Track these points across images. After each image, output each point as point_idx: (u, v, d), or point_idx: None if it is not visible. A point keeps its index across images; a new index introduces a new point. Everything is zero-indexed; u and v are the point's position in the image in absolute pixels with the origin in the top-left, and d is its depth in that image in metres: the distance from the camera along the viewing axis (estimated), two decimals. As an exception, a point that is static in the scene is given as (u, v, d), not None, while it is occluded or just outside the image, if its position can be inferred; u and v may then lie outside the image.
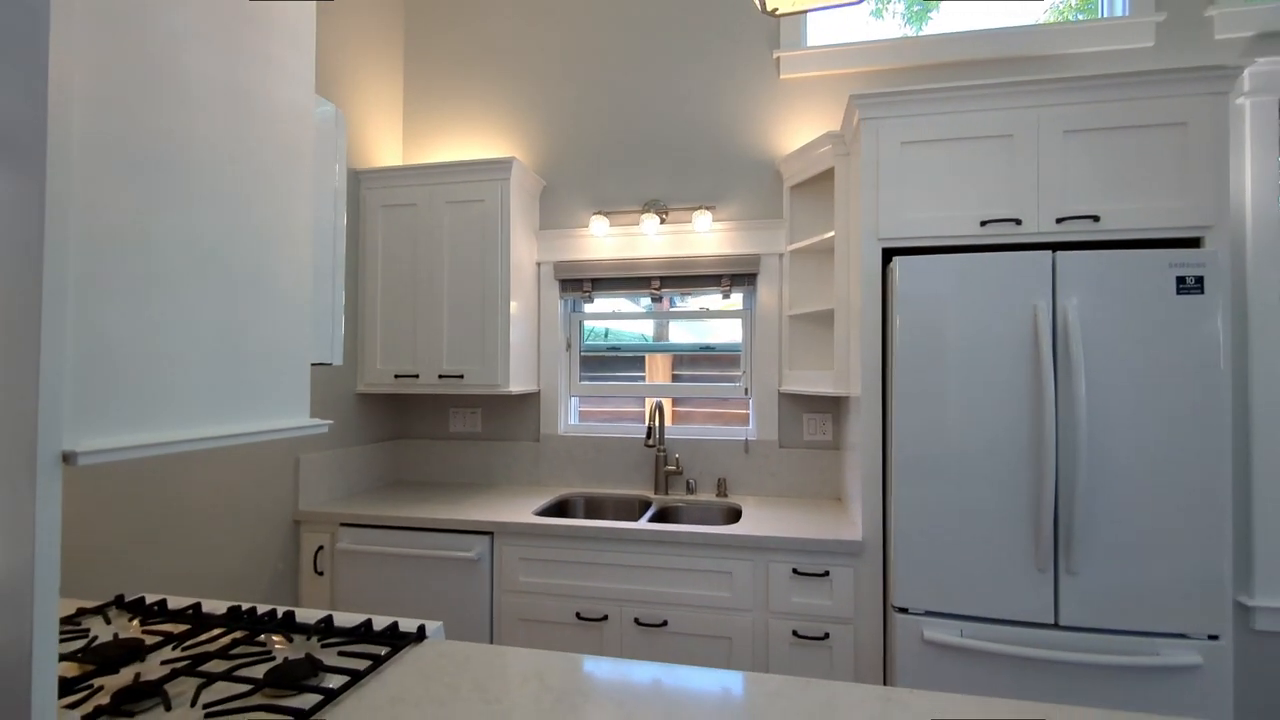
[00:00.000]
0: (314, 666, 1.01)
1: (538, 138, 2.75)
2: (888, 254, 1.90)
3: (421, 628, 1.18)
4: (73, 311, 0.55)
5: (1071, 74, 1.75)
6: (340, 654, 1.07)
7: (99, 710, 0.88)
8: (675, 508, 2.44)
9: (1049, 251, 1.67)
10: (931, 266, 1.75)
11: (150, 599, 1.34)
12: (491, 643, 2.09)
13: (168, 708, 0.90)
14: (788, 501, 2.38)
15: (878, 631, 1.84)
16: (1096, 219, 1.70)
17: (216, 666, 1.03)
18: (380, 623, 1.21)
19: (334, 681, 0.99)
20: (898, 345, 1.78)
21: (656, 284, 2.61)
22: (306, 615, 1.25)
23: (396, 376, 2.51)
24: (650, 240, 2.60)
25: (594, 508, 2.55)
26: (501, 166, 2.41)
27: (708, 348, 2.76)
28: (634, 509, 2.49)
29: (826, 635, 1.86)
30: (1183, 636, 1.60)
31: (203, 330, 0.68)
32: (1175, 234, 1.68)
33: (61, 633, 1.15)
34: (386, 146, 2.78)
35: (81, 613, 1.25)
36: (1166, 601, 1.60)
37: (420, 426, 2.85)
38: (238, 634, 1.15)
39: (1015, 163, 1.76)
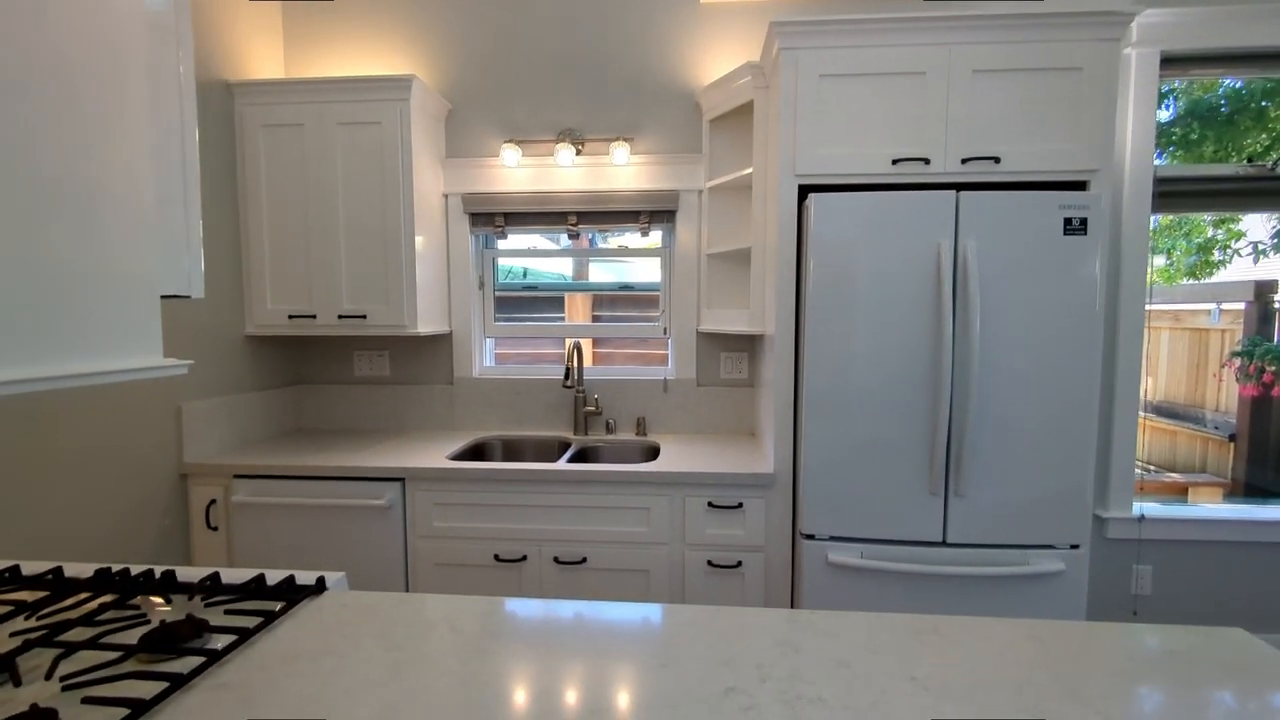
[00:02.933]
0: (196, 628, 0.93)
1: (441, 55, 2.52)
2: (804, 191, 1.89)
3: (321, 579, 1.11)
4: None
5: (982, 11, 1.76)
6: (228, 613, 1.00)
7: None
8: (595, 448, 2.44)
9: (953, 192, 1.72)
10: (844, 204, 1.76)
11: (0, 564, 1.19)
12: (407, 590, 2.05)
13: (17, 683, 0.80)
14: (704, 438, 2.43)
15: (786, 558, 1.93)
16: (997, 160, 1.76)
17: (79, 635, 0.93)
18: (274, 577, 1.13)
19: (220, 642, 0.92)
20: (810, 283, 1.80)
21: (573, 220, 2.51)
22: (190, 574, 1.15)
23: (291, 317, 2.31)
24: (566, 173, 2.48)
25: (512, 450, 2.51)
26: (400, 85, 2.19)
27: (627, 287, 2.71)
28: (553, 450, 2.46)
29: (739, 564, 1.94)
30: (1049, 547, 1.78)
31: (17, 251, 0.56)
32: (1065, 177, 1.76)
33: (-118, 609, 1.00)
34: (263, 55, 2.46)
35: (-89, 585, 1.09)
36: (1037, 517, 1.76)
37: (321, 371, 2.67)
38: (106, 598, 1.04)
39: (927, 101, 1.78)
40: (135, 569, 1.16)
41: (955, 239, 1.72)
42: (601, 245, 2.70)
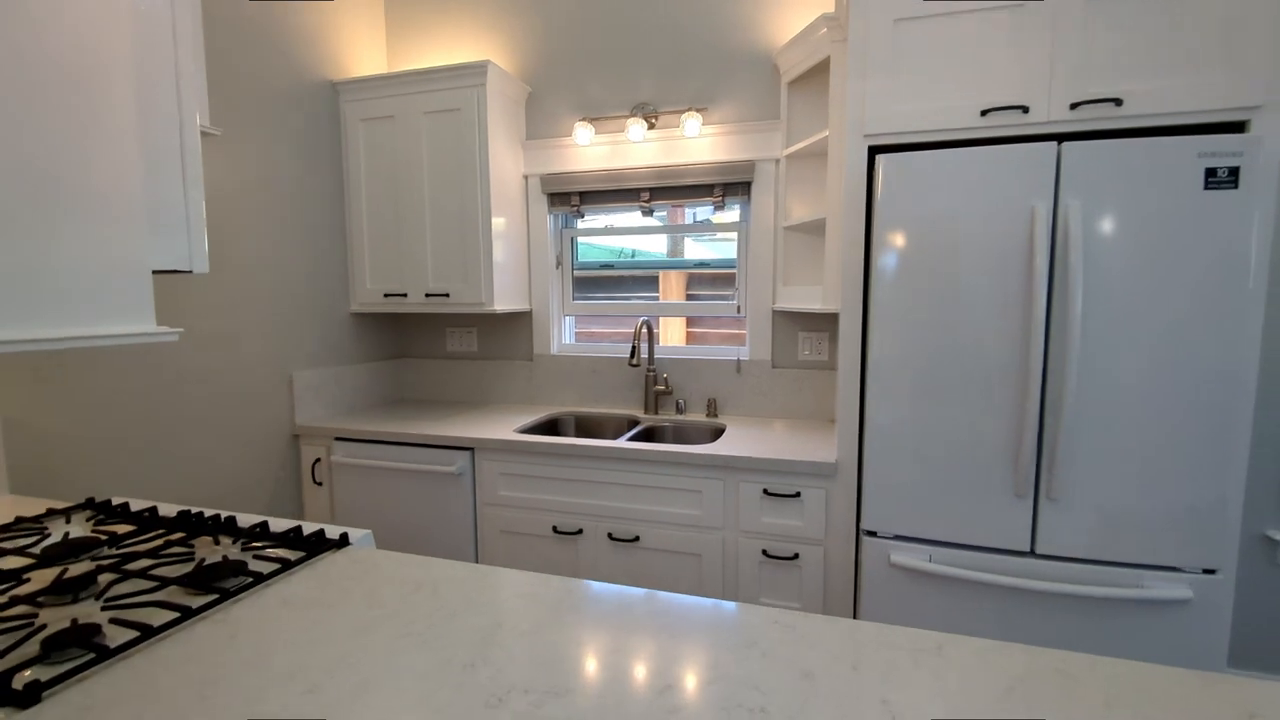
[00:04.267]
0: (231, 569, 1.05)
1: (521, 39, 2.57)
2: (877, 154, 1.70)
3: (344, 535, 1.20)
4: None
5: (1107, -78, 1.45)
6: (256, 558, 1.11)
7: (14, 600, 0.94)
8: (660, 427, 2.41)
9: (1053, 143, 1.45)
10: (918, 164, 1.56)
11: (117, 501, 1.42)
12: (476, 554, 2.17)
13: (75, 600, 0.95)
14: (777, 423, 2.31)
15: (848, 554, 1.79)
16: (1119, 102, 1.46)
17: (138, 565, 1.08)
18: (309, 529, 1.24)
19: (242, 583, 1.02)
20: (878, 254, 1.62)
21: (646, 196, 2.47)
22: (247, 520, 1.30)
23: (386, 296, 2.51)
24: (639, 149, 2.44)
25: (583, 426, 2.55)
26: (476, 71, 2.28)
27: (703, 264, 2.63)
28: (622, 428, 2.47)
29: (796, 556, 1.83)
30: (1174, 570, 1.48)
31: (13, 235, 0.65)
32: (1213, 118, 1.42)
33: (21, 530, 1.23)
34: (368, 51, 2.66)
35: (50, 513, 1.34)
36: (1158, 531, 1.47)
37: (419, 346, 2.89)
38: (174, 536, 1.21)
39: (1026, 38, 1.51)
40: (209, 512, 1.34)
41: (1055, 200, 1.46)
42: (674, 220, 2.63)
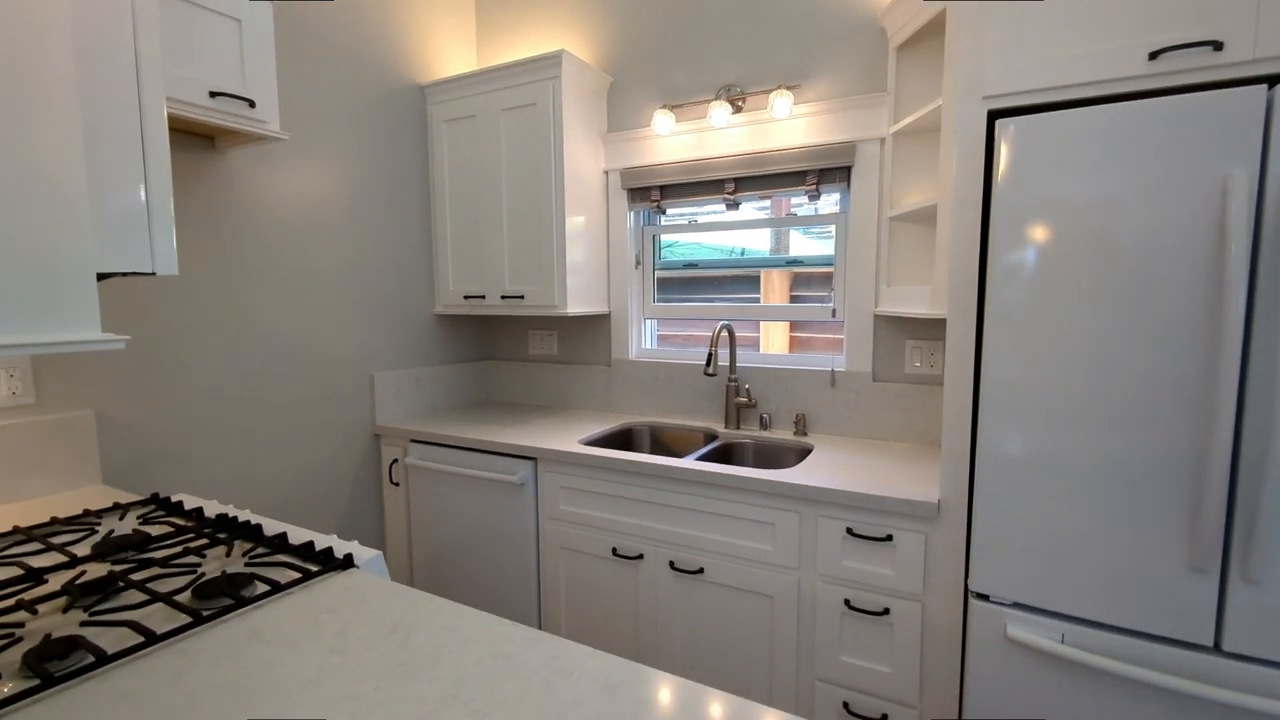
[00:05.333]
0: (222, 587, 0.99)
1: (604, 27, 2.44)
2: (998, 120, 1.35)
3: (349, 556, 1.12)
4: None
5: None
6: (257, 574, 1.05)
7: (19, 604, 0.94)
8: (739, 444, 2.17)
9: (1261, 87, 1.05)
10: (1052, 127, 1.21)
11: (176, 498, 1.46)
12: (538, 570, 2.07)
13: (68, 609, 0.94)
14: (875, 445, 1.98)
15: (954, 617, 1.45)
16: (1374, 22, 1.02)
17: (143, 575, 1.06)
18: (321, 544, 1.18)
19: (237, 604, 0.96)
20: (997, 245, 1.29)
21: (730, 187, 2.24)
22: (274, 528, 1.27)
23: (466, 297, 2.50)
24: (723, 136, 2.21)
25: (658, 439, 2.37)
26: (550, 62, 2.18)
27: (796, 261, 2.34)
28: (697, 443, 2.26)
29: (886, 611, 1.52)
30: None
31: None
32: None
33: (77, 524, 1.29)
34: (457, 51, 2.67)
35: (115, 507, 1.40)
36: None
37: (503, 348, 2.86)
38: (194, 544, 1.19)
39: (1222, -54, 1.11)
40: (243, 517, 1.32)
41: (1262, 167, 1.05)
42: (761, 212, 2.36)
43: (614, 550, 1.89)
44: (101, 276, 0.82)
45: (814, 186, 2.09)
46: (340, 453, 2.26)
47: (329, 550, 1.14)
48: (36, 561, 1.12)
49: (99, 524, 1.30)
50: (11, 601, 0.96)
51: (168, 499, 1.43)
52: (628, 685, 0.76)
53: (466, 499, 2.19)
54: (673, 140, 2.31)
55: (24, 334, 0.69)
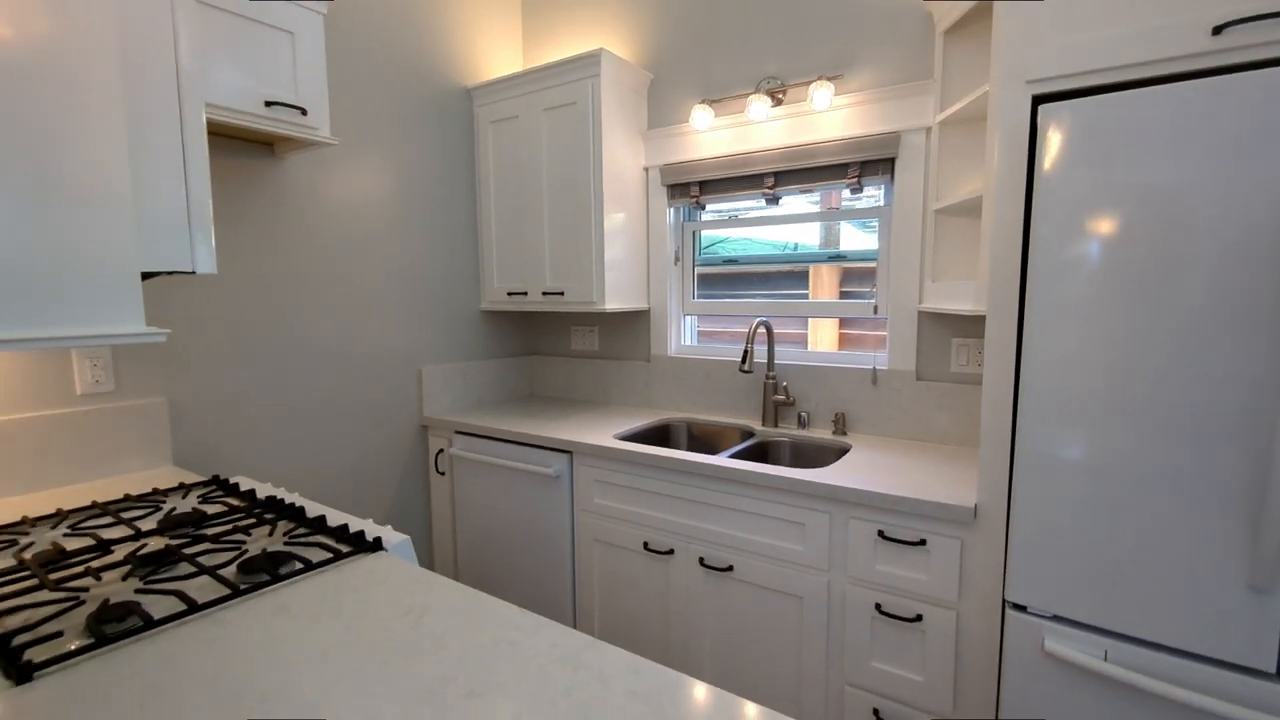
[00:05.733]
0: (261, 564, 1.07)
1: (644, 24, 2.45)
2: (1042, 106, 1.28)
3: (378, 539, 1.18)
4: None
5: None
6: (295, 553, 1.12)
7: (88, 570, 1.04)
8: (775, 442, 2.13)
9: (1340, 58, 0.95)
10: (1105, 111, 1.13)
11: (234, 479, 1.58)
12: (573, 561, 2.11)
13: (126, 577, 1.03)
14: (917, 447, 1.91)
15: (992, 627, 1.39)
16: None
17: (195, 549, 1.15)
18: (355, 527, 1.25)
19: (273, 580, 1.03)
20: (1039, 237, 1.22)
21: (770, 181, 2.20)
22: (315, 510, 1.35)
23: (509, 294, 2.56)
24: (762, 129, 2.18)
25: (696, 435, 2.36)
26: (589, 61, 2.20)
27: (838, 257, 2.28)
28: (733, 440, 2.24)
29: (919, 618, 1.47)
30: None
31: None
32: None
33: (146, 501, 1.41)
34: (503, 53, 2.73)
35: (180, 486, 1.52)
36: None
37: (546, 343, 2.92)
38: (243, 522, 1.28)
39: (1298, -94, 1.01)
40: (289, 499, 1.41)
41: (1340, 146, 0.95)
42: (803, 206, 2.30)
43: (645, 544, 1.91)
44: (146, 276, 0.90)
45: (856, 179, 2.03)
46: (389, 442, 2.37)
47: (360, 534, 1.20)
48: (107, 533, 1.24)
49: (164, 501, 1.41)
50: (81, 569, 1.06)
51: (227, 480, 1.55)
52: (622, 676, 0.78)
53: (506, 489, 2.25)
54: (712, 135, 2.29)
55: (74, 328, 0.77)
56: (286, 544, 1.18)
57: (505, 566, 2.30)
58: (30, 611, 0.92)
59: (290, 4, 1.64)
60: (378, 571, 1.07)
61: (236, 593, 0.97)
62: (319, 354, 2.12)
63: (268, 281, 1.97)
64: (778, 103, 2.14)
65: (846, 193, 2.15)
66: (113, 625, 0.88)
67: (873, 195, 2.11)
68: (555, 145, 2.34)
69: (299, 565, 1.08)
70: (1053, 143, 1.19)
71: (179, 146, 0.89)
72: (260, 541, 1.20)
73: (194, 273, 0.97)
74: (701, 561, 1.79)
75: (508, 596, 2.30)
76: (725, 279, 2.52)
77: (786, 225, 2.33)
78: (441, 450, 2.46)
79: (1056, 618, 1.24)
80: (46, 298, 0.75)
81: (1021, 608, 1.28)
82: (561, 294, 2.39)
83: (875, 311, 2.10)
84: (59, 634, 0.86)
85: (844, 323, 2.34)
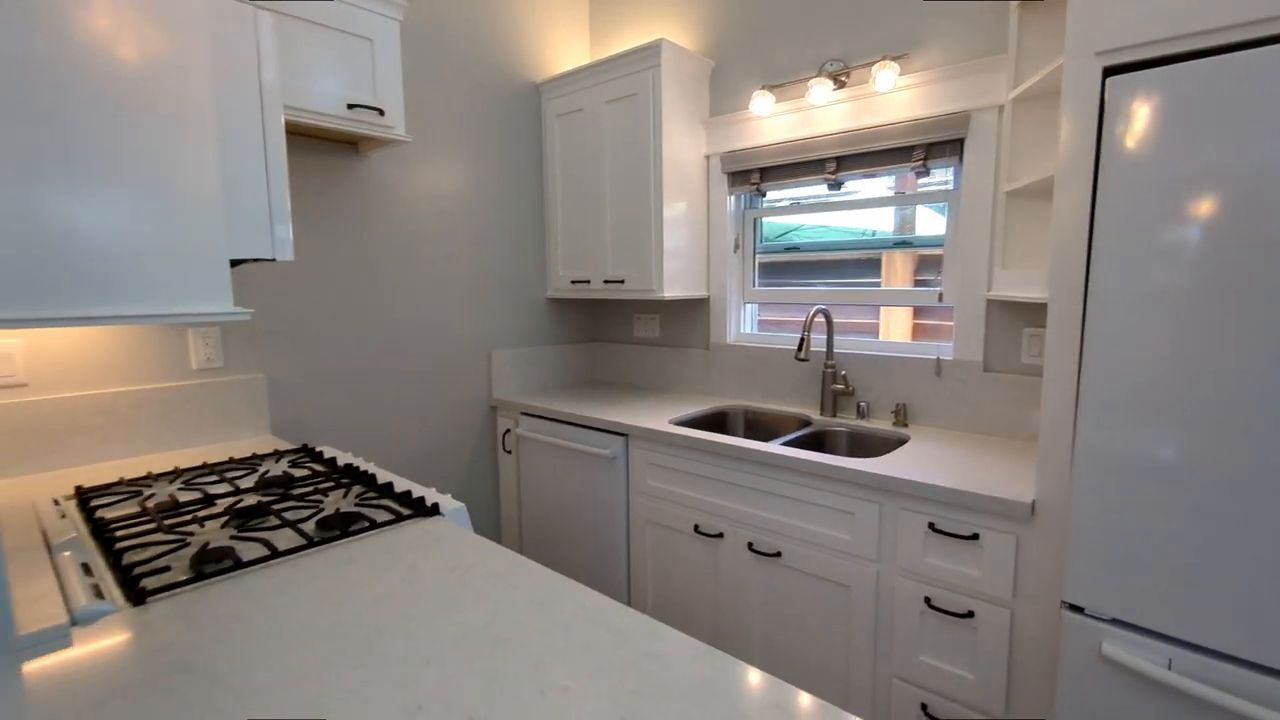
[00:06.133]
0: (334, 523, 1.20)
1: (708, 10, 2.45)
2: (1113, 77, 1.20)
3: (435, 505, 1.28)
4: None
5: None
6: (363, 513, 1.24)
7: (195, 519, 1.20)
8: (832, 432, 2.10)
9: None
10: (1177, 80, 1.05)
11: (319, 448, 1.75)
12: (627, 539, 2.18)
13: (224, 525, 1.18)
14: (982, 440, 1.83)
15: (1048, 628, 1.33)
16: None
17: (282, 506, 1.30)
18: (417, 493, 1.36)
19: (343, 534, 1.15)
20: (1102, 216, 1.15)
21: (832, 167, 2.16)
22: (385, 476, 1.48)
23: (573, 282, 2.65)
24: (824, 114, 2.14)
25: (752, 422, 2.37)
26: (650, 52, 2.23)
27: (904, 243, 2.21)
28: (789, 429, 2.23)
29: (971, 614, 1.43)
30: None
31: (102, 222, 0.82)
32: None
33: (246, 463, 1.59)
34: (571, 48, 2.81)
35: (275, 453, 1.70)
36: None
37: (610, 331, 3.00)
38: (323, 485, 1.43)
39: None
40: (363, 466, 1.55)
41: None
42: (866, 191, 2.23)
43: (696, 527, 1.94)
44: (235, 263, 1.03)
45: (921, 162, 1.96)
46: (460, 421, 2.53)
47: (421, 499, 1.31)
48: (212, 489, 1.41)
49: (260, 465, 1.59)
50: (189, 517, 1.23)
51: (314, 449, 1.71)
52: (641, 638, 0.82)
53: (566, 469, 2.35)
54: (772, 121, 2.27)
55: (178, 306, 0.89)
56: (357, 505, 1.30)
57: (566, 542, 2.40)
58: (147, 549, 1.08)
59: (369, 12, 1.78)
60: (433, 533, 1.17)
61: (312, 544, 1.10)
62: (398, 338, 2.29)
63: (353, 270, 2.14)
64: (840, 85, 2.09)
65: (912, 176, 2.07)
66: (211, 564, 1.02)
67: (943, 179, 2.03)
68: (617, 136, 2.39)
69: (366, 524, 1.20)
70: (1122, 116, 1.12)
71: (261, 150, 1.01)
72: (336, 502, 1.33)
73: (274, 259, 1.10)
74: (750, 546, 1.81)
75: (567, 571, 2.41)
76: (792, 268, 2.49)
77: (860, 212, 2.27)
78: (508, 430, 2.59)
79: (1117, 621, 1.18)
80: (156, 281, 0.88)
81: (1079, 609, 1.22)
82: (622, 282, 2.45)
83: (940, 300, 2.02)
84: (168, 568, 1.01)
85: (918, 312, 2.25)
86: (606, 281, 2.51)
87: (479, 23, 2.44)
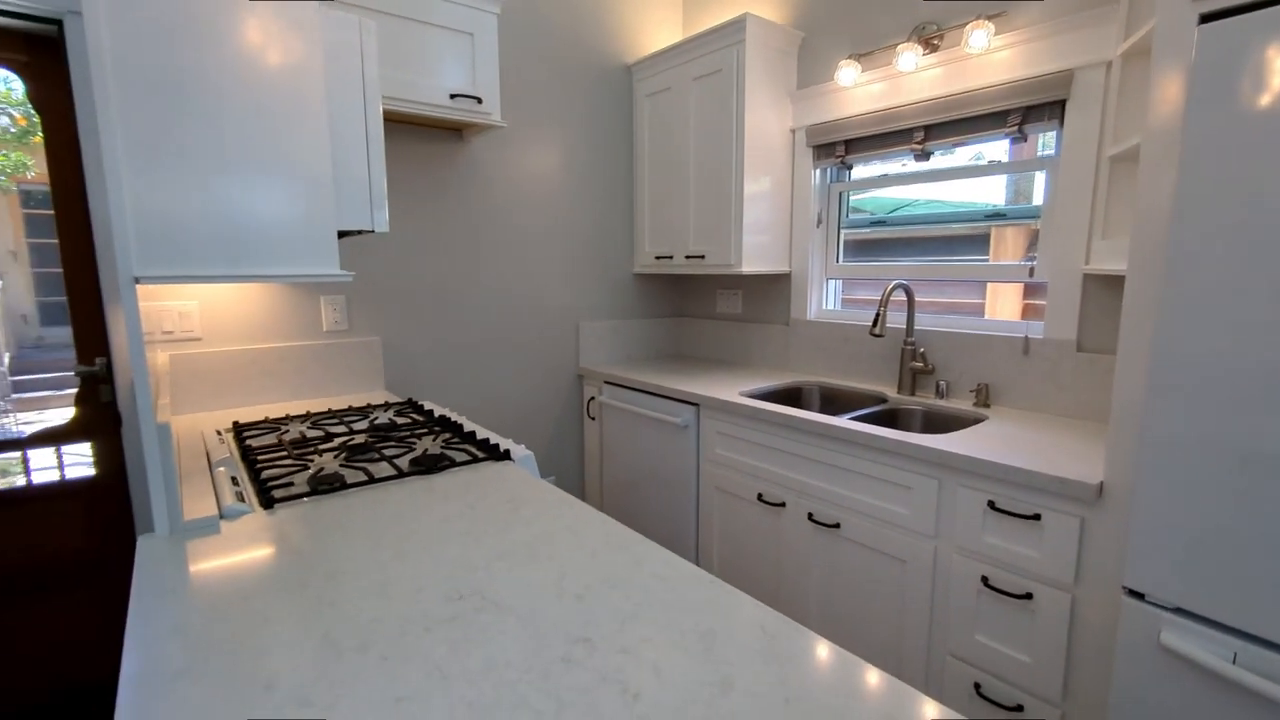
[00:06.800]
0: (424, 462, 1.40)
1: (798, -19, 2.42)
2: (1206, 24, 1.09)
3: (507, 450, 1.45)
4: (136, 199, 0.94)
5: None
6: (446, 454, 1.43)
7: (318, 451, 1.45)
8: (906, 410, 2.06)
9: None
10: (1268, 29, 0.95)
11: (421, 401, 1.99)
12: (697, 505, 2.27)
13: (336, 457, 1.42)
14: (1068, 423, 1.73)
15: (1112, 616, 1.27)
16: None
17: (384, 445, 1.52)
18: (493, 440, 1.54)
19: (427, 470, 1.35)
20: (1182, 180, 1.07)
21: (919, 136, 2.08)
22: (469, 425, 1.68)
23: (657, 257, 2.75)
24: (913, 81, 2.06)
25: (827, 398, 2.36)
26: (735, 28, 2.25)
27: (998, 215, 2.09)
28: (864, 406, 2.20)
29: (1029, 595, 1.39)
30: None
31: (241, 201, 1.03)
32: None
33: (358, 412, 1.86)
34: (665, 29, 2.87)
35: (385, 404, 1.96)
36: None
37: (694, 305, 3.07)
38: (420, 431, 1.65)
39: None
40: (453, 417, 1.76)
41: None
42: (954, 159, 2.10)
43: (759, 496, 2.00)
44: (342, 235, 1.22)
45: (1017, 127, 1.84)
46: (549, 386, 2.73)
47: (496, 445, 1.48)
48: (332, 429, 1.68)
49: (372, 413, 1.85)
50: (311, 449, 1.48)
51: (417, 403, 1.96)
52: (653, 563, 0.92)
53: (643, 436, 2.48)
54: (859, 91, 2.22)
55: (305, 268, 1.10)
56: (443, 448, 1.50)
57: (641, 505, 2.54)
58: (279, 469, 1.33)
59: (470, 8, 1.96)
60: (501, 473, 1.34)
61: (401, 475, 1.30)
62: (495, 307, 2.52)
63: (457, 246, 2.38)
64: (933, 49, 2.00)
65: (1029, 141, 1.95)
66: (323, 485, 1.25)
67: (1039, 143, 1.89)
68: (701, 112, 2.44)
69: (447, 463, 1.39)
70: (1197, 61, 1.03)
71: (364, 139, 1.20)
72: (426, 445, 1.54)
73: (373, 231, 1.29)
74: (810, 517, 1.84)
75: (640, 531, 2.55)
76: (888, 244, 2.42)
77: (969, 183, 2.16)
78: (593, 398, 2.76)
79: (1180, 610, 1.11)
80: (294, 248, 1.09)
81: (1139, 595, 1.16)
82: (702, 257, 2.52)
83: (1031, 275, 1.90)
84: (292, 484, 1.24)
85: (1028, 291, 2.12)
86: (688, 257, 2.58)
87: (574, 7, 2.57)
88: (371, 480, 1.27)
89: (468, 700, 0.64)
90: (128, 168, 0.93)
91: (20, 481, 1.78)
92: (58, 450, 1.82)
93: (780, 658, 0.70)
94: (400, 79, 1.84)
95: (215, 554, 0.96)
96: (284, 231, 1.07)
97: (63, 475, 1.82)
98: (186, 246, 0.99)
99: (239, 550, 0.98)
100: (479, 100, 2.01)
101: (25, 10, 1.52)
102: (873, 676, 0.67)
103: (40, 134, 1.69)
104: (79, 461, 1.84)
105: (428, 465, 1.36)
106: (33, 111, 1.68)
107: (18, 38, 1.61)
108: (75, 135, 1.65)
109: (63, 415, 1.81)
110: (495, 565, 0.93)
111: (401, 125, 2.15)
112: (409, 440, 1.56)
